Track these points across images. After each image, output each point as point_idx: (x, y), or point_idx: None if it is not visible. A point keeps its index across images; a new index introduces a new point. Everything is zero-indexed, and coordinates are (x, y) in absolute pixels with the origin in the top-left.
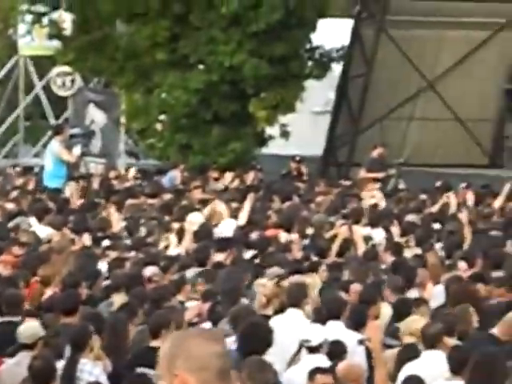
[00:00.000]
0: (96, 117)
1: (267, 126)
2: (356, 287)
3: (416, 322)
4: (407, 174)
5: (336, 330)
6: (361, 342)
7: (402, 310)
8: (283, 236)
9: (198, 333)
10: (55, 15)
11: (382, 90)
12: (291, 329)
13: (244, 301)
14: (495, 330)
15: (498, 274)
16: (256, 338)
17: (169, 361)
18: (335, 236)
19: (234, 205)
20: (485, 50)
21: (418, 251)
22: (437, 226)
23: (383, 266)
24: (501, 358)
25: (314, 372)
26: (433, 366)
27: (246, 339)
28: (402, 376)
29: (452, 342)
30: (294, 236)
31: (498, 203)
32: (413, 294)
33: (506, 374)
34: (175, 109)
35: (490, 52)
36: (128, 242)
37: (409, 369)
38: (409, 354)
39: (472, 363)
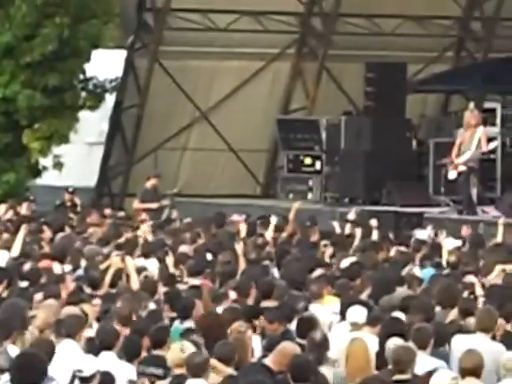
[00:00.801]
0: None
1: (41, 157)
2: None
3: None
4: (181, 205)
5: (108, 361)
6: None
7: (158, 338)
8: (56, 267)
9: None
10: None
11: (156, 120)
12: (65, 359)
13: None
14: (267, 360)
15: (269, 303)
16: (29, 369)
17: None
18: (108, 267)
19: (7, 236)
20: (258, 81)
21: (193, 282)
22: (210, 256)
23: (157, 297)
24: None
25: None
26: None
27: (19, 370)
28: None
29: (227, 370)
30: (67, 267)
31: (268, 234)
32: (188, 324)
33: None
34: None
35: (264, 82)
36: None
37: None
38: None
39: None
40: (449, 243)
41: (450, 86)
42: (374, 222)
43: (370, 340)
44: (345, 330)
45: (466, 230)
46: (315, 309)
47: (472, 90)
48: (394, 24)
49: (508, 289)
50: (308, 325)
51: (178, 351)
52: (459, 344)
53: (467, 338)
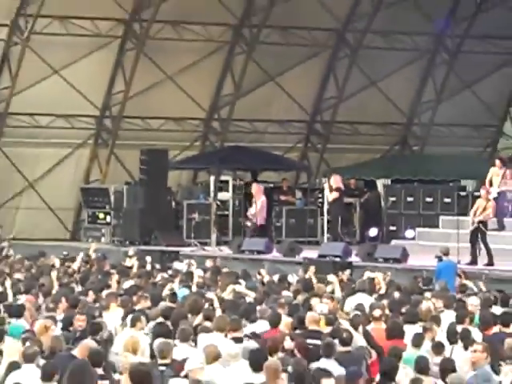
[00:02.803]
0: None
1: None
2: None
3: None
4: (15, 246)
5: None
6: None
7: None
8: None
9: None
10: None
11: None
12: None
13: None
14: (75, 351)
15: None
16: None
17: None
18: None
19: None
20: (67, 162)
21: (22, 298)
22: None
23: None
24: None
25: None
26: None
27: None
28: None
29: None
30: None
31: (76, 265)
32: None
33: None
34: None
35: (70, 163)
36: None
37: None
38: None
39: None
40: (197, 272)
41: (197, 165)
42: (148, 258)
43: (141, 338)
44: (126, 332)
45: (209, 263)
46: (105, 316)
47: (212, 168)
48: (159, 122)
49: (235, 302)
50: (99, 326)
51: None
52: (203, 339)
53: (208, 336)
